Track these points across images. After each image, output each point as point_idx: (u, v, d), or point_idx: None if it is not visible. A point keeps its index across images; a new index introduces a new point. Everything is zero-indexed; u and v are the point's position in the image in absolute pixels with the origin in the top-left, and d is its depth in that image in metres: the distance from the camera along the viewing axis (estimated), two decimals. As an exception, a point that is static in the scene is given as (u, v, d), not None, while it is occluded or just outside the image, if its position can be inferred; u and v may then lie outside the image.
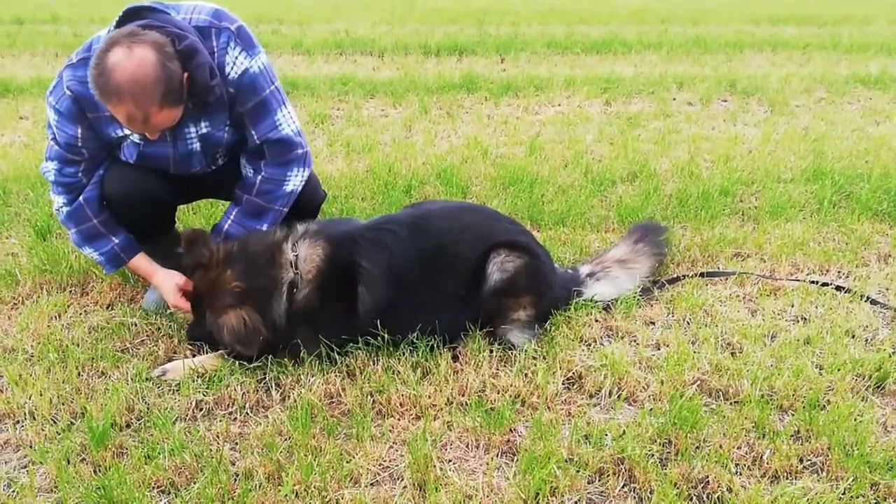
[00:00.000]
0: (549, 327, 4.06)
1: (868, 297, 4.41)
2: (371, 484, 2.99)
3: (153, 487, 2.95)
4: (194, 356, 3.82)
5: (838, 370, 3.67)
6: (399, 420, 3.38)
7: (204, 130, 3.98)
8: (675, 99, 10.10)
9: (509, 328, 3.92)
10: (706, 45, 14.63)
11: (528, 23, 18.79)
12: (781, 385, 3.54)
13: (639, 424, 3.27)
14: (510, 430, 3.30)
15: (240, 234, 4.08)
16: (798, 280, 4.62)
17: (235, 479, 2.97)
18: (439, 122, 8.89)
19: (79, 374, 3.65)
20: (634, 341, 4.04)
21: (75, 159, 3.96)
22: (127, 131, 3.85)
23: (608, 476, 3.00)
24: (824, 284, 4.55)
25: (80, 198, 4.05)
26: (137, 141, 3.92)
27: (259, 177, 4.08)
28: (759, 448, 3.13)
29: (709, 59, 13.29)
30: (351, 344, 3.77)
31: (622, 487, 2.98)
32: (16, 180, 6.45)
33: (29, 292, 4.50)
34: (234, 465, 3.07)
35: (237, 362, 3.70)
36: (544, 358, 3.80)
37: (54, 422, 3.32)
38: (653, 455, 3.10)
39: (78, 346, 3.90)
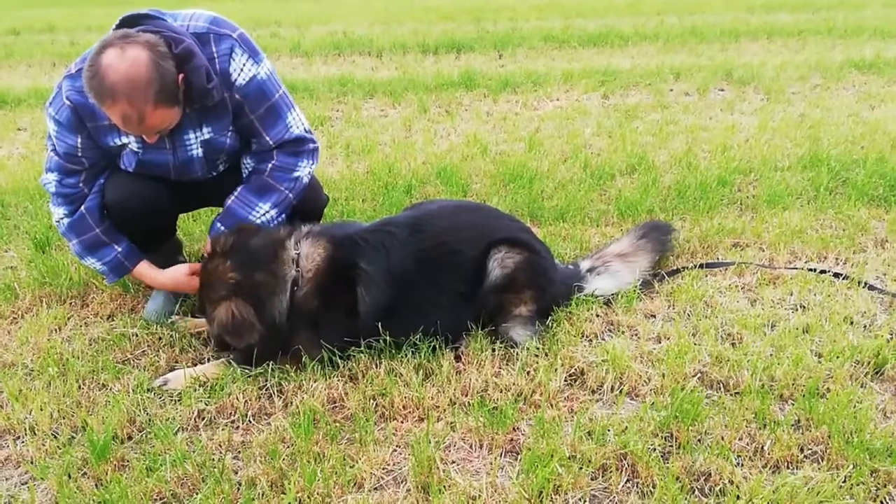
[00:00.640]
0: (550, 324, 4.06)
1: (866, 283, 4.41)
2: (375, 488, 2.99)
3: (156, 499, 2.95)
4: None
5: (837, 357, 3.67)
6: (402, 423, 3.38)
7: (206, 136, 3.97)
8: (672, 90, 10.10)
9: (511, 325, 3.92)
10: (702, 34, 14.64)
11: (525, 18, 18.81)
12: (781, 374, 3.54)
13: (641, 419, 3.27)
14: (513, 428, 3.30)
15: (241, 210, 4.07)
16: (796, 268, 4.62)
17: (238, 489, 2.97)
18: (438, 120, 8.90)
19: (79, 387, 3.65)
20: (636, 335, 4.04)
21: (75, 169, 3.96)
22: (126, 139, 3.86)
23: (611, 472, 3.00)
24: (822, 272, 4.55)
25: (82, 208, 4.05)
26: (136, 149, 3.91)
27: (270, 164, 4.09)
28: (760, 438, 3.14)
29: (705, 49, 13.29)
30: (353, 347, 3.77)
31: (625, 483, 2.98)
32: (14, 193, 6.46)
33: (28, 306, 4.50)
34: (236, 473, 3.07)
35: (238, 370, 3.70)
36: (546, 355, 3.80)
37: (55, 436, 3.31)
38: (655, 449, 3.10)
39: (78, 358, 3.90)
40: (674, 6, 20.70)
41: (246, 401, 3.51)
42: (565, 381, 3.62)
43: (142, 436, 3.33)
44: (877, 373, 3.63)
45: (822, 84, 10.18)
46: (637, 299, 4.33)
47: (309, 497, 2.89)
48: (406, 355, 3.76)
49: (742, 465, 3.03)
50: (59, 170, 3.96)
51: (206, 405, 3.50)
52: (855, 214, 5.40)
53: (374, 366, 3.71)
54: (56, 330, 4.24)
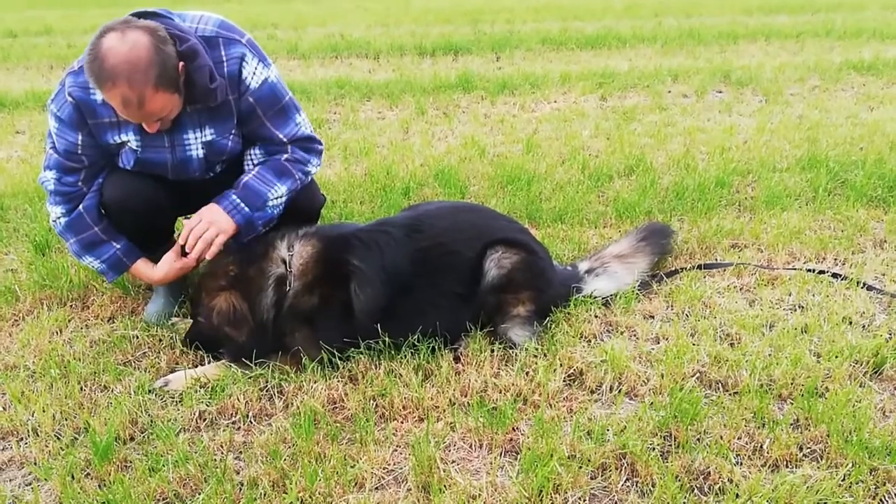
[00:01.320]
0: (549, 324, 4.07)
1: (864, 284, 4.42)
2: (376, 488, 3.00)
3: (158, 500, 2.96)
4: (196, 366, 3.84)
5: (836, 357, 3.69)
6: (402, 423, 3.39)
7: (208, 138, 3.98)
8: (670, 92, 10.12)
9: (509, 326, 3.93)
10: (700, 36, 14.64)
11: (522, 20, 18.81)
12: (780, 374, 3.56)
13: (640, 419, 3.28)
14: (512, 428, 3.31)
15: (259, 186, 4.02)
16: (795, 269, 4.63)
17: (240, 489, 2.98)
18: (436, 122, 8.91)
19: (81, 388, 3.66)
20: (634, 336, 4.05)
21: (74, 167, 3.96)
22: (125, 137, 3.87)
23: (610, 471, 3.02)
24: (821, 272, 4.57)
25: (80, 207, 4.05)
26: (135, 147, 3.92)
27: (285, 155, 4.10)
28: (759, 438, 3.15)
29: (703, 51, 13.31)
30: (352, 349, 3.78)
31: (624, 482, 2.99)
32: (13, 196, 6.46)
33: (29, 308, 4.51)
34: (238, 474, 3.08)
35: (240, 371, 3.71)
36: (545, 355, 3.81)
37: (58, 438, 3.32)
38: (654, 448, 3.11)
39: (80, 360, 3.90)
40: (671, 8, 20.71)
41: (247, 402, 3.52)
42: (564, 381, 3.63)
43: (144, 437, 3.34)
44: (875, 372, 3.64)
45: (820, 85, 10.20)
46: (636, 300, 4.34)
47: (310, 497, 2.90)
48: (405, 356, 3.77)
49: (741, 463, 3.04)
50: (59, 168, 3.97)
51: (208, 406, 3.51)
52: (853, 215, 5.42)
53: (373, 366, 3.72)
54: (57, 332, 4.25)
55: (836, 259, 4.87)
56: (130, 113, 3.51)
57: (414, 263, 3.85)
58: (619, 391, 3.54)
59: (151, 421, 3.41)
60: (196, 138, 3.96)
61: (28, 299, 4.58)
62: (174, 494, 2.96)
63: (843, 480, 2.89)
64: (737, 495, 2.84)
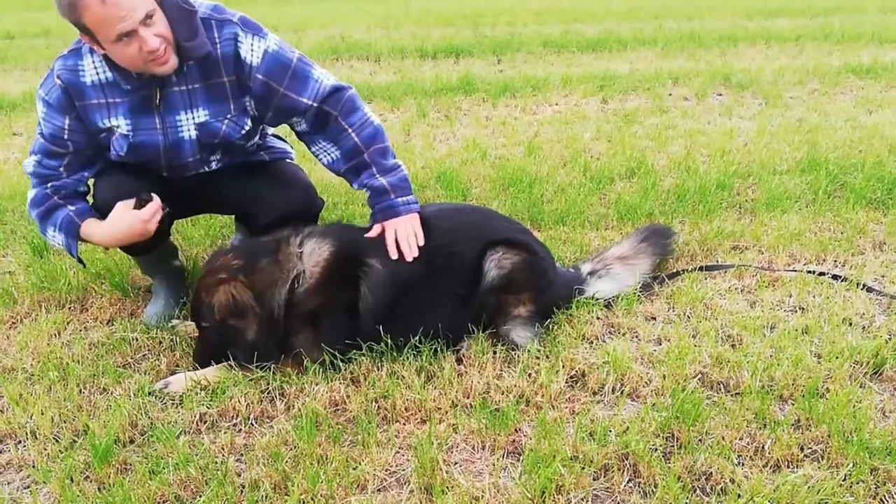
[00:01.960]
0: (551, 326, 4.07)
1: (864, 285, 4.42)
2: (378, 490, 3.00)
3: (158, 503, 2.95)
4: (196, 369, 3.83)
5: (836, 358, 3.68)
6: (404, 425, 3.38)
7: (201, 119, 3.94)
8: (670, 94, 10.12)
9: (511, 326, 3.93)
10: (700, 39, 14.64)
11: (523, 23, 18.81)
12: (781, 375, 3.55)
13: (642, 419, 3.27)
14: (515, 430, 3.30)
15: (392, 180, 4.08)
16: (795, 270, 4.63)
17: (241, 491, 2.97)
18: (437, 125, 8.91)
19: (80, 391, 3.66)
20: (636, 337, 4.05)
21: (59, 152, 3.92)
22: (115, 121, 3.84)
23: (613, 472, 3.01)
24: (821, 274, 4.56)
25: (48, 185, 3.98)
26: (126, 132, 3.88)
27: (351, 134, 4.08)
28: (760, 438, 3.14)
29: (703, 54, 13.31)
30: (354, 350, 3.77)
31: (627, 483, 2.98)
32: (11, 198, 6.46)
33: (27, 311, 4.51)
34: (239, 476, 3.07)
35: (240, 373, 3.70)
36: (547, 357, 3.80)
37: (56, 440, 3.31)
38: (656, 449, 3.10)
39: (79, 363, 3.90)
40: (672, 11, 20.72)
41: (248, 404, 3.51)
42: (566, 382, 3.63)
43: (144, 439, 3.33)
44: (875, 373, 3.64)
45: (819, 89, 10.20)
46: (637, 302, 4.33)
47: (313, 499, 2.90)
48: (407, 358, 3.76)
49: (743, 464, 3.04)
50: (43, 151, 3.93)
51: (208, 408, 3.50)
52: (853, 217, 5.42)
53: (375, 368, 3.72)
54: (55, 334, 4.25)
55: (836, 261, 4.87)
56: (122, 20, 3.46)
57: (419, 265, 3.85)
58: (622, 392, 3.53)
59: (151, 423, 3.40)
60: (188, 119, 3.93)
61: (26, 302, 4.58)
62: (175, 497, 2.95)
63: (843, 480, 2.89)
64: (739, 495, 2.84)
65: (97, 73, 3.78)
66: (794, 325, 4.02)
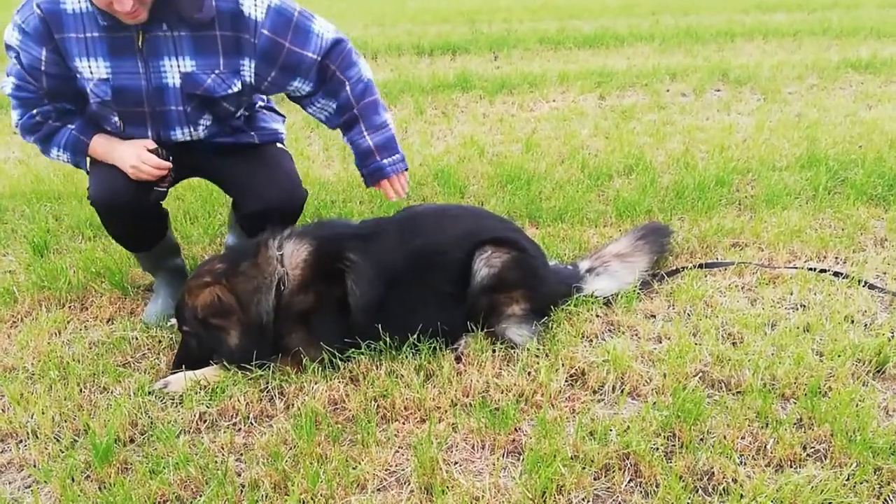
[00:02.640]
0: (550, 324, 4.06)
1: (866, 282, 4.42)
2: (378, 489, 2.99)
3: (159, 502, 2.94)
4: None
5: (838, 356, 3.68)
6: (404, 424, 3.37)
7: (188, 69, 3.82)
8: (668, 90, 10.11)
9: (507, 325, 3.92)
10: (697, 35, 14.63)
11: (520, 19, 18.80)
12: (783, 373, 3.55)
13: (643, 419, 3.27)
14: (515, 429, 3.30)
15: (378, 139, 4.14)
16: (796, 267, 4.62)
17: (241, 491, 2.97)
18: (435, 122, 8.89)
19: (80, 390, 3.65)
20: (636, 335, 4.04)
21: (35, 85, 3.83)
22: (94, 63, 3.72)
23: (614, 471, 3.00)
24: (822, 271, 4.56)
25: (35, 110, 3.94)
26: (106, 75, 3.75)
27: (347, 88, 4.07)
28: (762, 437, 3.14)
29: (700, 50, 13.30)
30: (352, 349, 3.77)
31: (628, 482, 2.98)
32: (11, 197, 6.45)
33: (28, 310, 4.50)
34: (239, 476, 3.06)
35: (240, 372, 3.70)
36: (546, 356, 3.80)
37: (57, 440, 3.31)
38: (657, 449, 3.09)
39: (79, 362, 3.89)
40: (668, 6, 20.72)
41: (247, 403, 3.50)
42: (566, 381, 3.62)
43: (144, 439, 3.32)
44: (878, 371, 3.63)
45: (818, 84, 10.19)
46: (637, 299, 4.33)
47: (312, 498, 2.89)
48: (406, 357, 3.76)
49: (745, 463, 3.03)
50: (19, 76, 3.83)
51: (208, 408, 3.49)
52: (854, 214, 5.41)
53: (374, 367, 3.71)
54: (56, 333, 4.24)
55: (836, 257, 4.86)
56: None
57: (407, 262, 3.84)
58: (622, 391, 3.53)
59: (151, 423, 3.39)
60: (172, 66, 3.80)
61: (26, 301, 4.56)
62: (175, 497, 2.95)
63: (847, 480, 2.88)
64: (741, 495, 2.83)
65: (78, 2, 3.63)
66: (796, 323, 4.01)
